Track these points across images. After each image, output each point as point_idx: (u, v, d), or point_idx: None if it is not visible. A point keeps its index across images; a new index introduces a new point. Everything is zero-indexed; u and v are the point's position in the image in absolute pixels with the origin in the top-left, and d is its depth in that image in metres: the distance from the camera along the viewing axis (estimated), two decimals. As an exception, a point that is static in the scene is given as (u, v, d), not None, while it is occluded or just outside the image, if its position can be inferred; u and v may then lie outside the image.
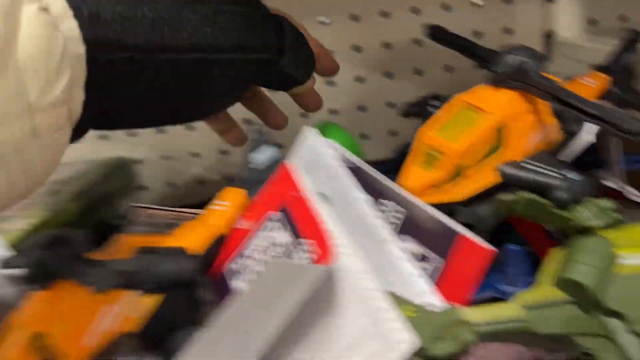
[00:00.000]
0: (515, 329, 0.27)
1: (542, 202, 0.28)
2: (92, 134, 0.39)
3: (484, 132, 0.35)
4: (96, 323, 0.31)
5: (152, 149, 0.63)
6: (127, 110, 0.33)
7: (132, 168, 0.63)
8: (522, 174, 0.35)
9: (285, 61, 0.37)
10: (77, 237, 0.31)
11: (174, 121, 0.38)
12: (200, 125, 0.61)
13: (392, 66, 0.61)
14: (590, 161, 0.46)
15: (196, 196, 0.64)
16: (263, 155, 0.37)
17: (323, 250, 0.29)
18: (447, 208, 0.34)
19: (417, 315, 0.27)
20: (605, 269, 0.28)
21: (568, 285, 0.28)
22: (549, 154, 0.37)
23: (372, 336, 0.26)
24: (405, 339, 0.25)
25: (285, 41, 0.37)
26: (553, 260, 0.30)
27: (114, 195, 0.58)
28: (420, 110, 0.44)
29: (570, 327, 0.27)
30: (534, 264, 0.41)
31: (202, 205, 0.41)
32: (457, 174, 0.35)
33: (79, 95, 0.27)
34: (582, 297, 0.27)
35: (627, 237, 0.30)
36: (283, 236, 0.33)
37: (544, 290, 0.28)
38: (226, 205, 0.36)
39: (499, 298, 0.40)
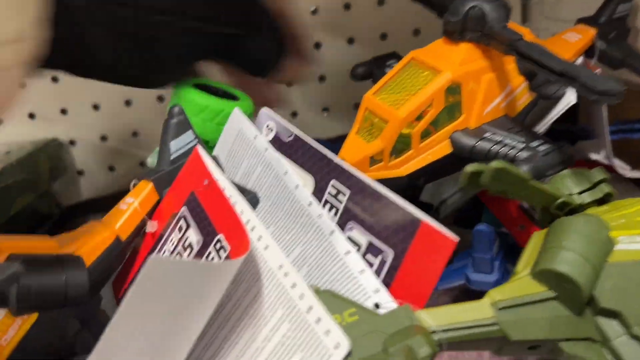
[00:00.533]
0: (484, 334, 0.21)
1: (515, 173, 0.22)
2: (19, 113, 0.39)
3: (432, 94, 0.29)
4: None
5: (87, 129, 0.56)
6: (85, 57, 0.33)
7: (65, 150, 0.56)
8: (476, 143, 0.30)
9: (252, 44, 0.37)
10: None
11: (131, 81, 0.36)
12: (139, 100, 0.55)
13: (352, 30, 0.54)
14: (576, 131, 0.41)
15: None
16: (181, 143, 0.30)
17: (234, 244, 0.23)
18: (395, 185, 0.28)
19: (356, 320, 0.21)
20: (597, 257, 0.22)
21: (550, 277, 0.22)
22: (514, 120, 0.32)
23: (295, 346, 0.20)
24: (338, 344, 0.19)
25: (259, 25, 0.37)
26: (533, 246, 0.25)
27: (42, 180, 0.52)
28: (374, 71, 0.38)
29: (552, 331, 0.21)
30: (512, 247, 0.35)
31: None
32: (405, 144, 0.30)
33: (41, 33, 0.27)
34: (568, 292, 0.22)
35: (621, 216, 0.24)
36: (192, 234, 0.26)
37: (521, 284, 0.22)
38: (130, 203, 0.29)
39: (474, 290, 0.35)
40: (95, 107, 0.55)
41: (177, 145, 0.30)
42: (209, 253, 0.25)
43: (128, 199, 0.29)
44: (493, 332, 0.21)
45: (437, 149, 0.30)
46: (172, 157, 0.30)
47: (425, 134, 0.30)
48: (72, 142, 0.56)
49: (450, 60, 0.30)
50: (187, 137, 0.30)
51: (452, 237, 0.22)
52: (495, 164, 0.21)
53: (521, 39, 0.28)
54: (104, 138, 0.57)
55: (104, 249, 0.27)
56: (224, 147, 0.32)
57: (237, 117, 0.32)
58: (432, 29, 0.36)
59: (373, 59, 0.40)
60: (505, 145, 0.29)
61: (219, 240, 0.24)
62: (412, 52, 0.32)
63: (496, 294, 0.22)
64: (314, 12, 0.53)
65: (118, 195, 0.31)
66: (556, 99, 0.33)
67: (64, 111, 0.55)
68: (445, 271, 0.35)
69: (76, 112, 0.55)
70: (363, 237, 0.25)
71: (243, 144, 0.31)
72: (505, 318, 0.21)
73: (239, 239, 0.22)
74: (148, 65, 0.33)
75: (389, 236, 0.25)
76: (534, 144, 0.28)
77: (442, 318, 0.21)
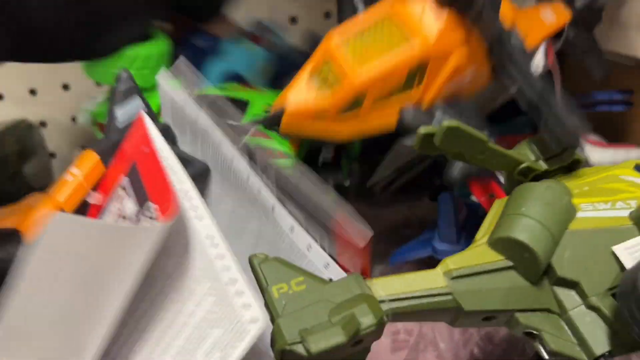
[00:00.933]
0: (436, 304, 0.20)
1: (469, 132, 0.21)
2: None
3: (401, 64, 0.27)
4: None
5: (56, 109, 0.55)
6: (34, 35, 0.32)
7: (35, 131, 0.55)
8: (426, 122, 0.27)
9: None
10: None
11: (77, 51, 0.35)
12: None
13: (330, 4, 0.53)
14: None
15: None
16: (128, 110, 0.29)
17: (164, 213, 0.21)
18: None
19: (304, 289, 0.20)
20: (557, 225, 0.21)
21: (507, 246, 0.21)
22: (470, 104, 0.30)
23: (217, 320, 0.19)
24: (255, 318, 0.18)
25: None
26: (494, 214, 0.23)
27: (10, 162, 0.50)
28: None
29: (508, 301, 0.20)
30: (482, 219, 0.34)
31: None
32: (355, 104, 0.27)
33: None
34: (525, 261, 0.21)
35: (585, 183, 0.23)
36: (129, 204, 0.25)
37: (477, 252, 0.22)
38: (75, 175, 0.28)
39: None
40: (65, 87, 0.54)
41: (123, 113, 0.29)
42: (142, 223, 0.23)
43: (73, 169, 0.28)
44: (446, 303, 0.20)
45: (383, 118, 0.28)
46: (119, 126, 0.28)
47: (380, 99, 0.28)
48: (42, 124, 0.55)
49: (428, 32, 0.27)
50: (135, 104, 0.29)
51: (362, 239, 0.21)
52: (447, 122, 0.20)
53: (501, 31, 0.27)
54: (75, 119, 0.55)
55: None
56: (167, 116, 0.31)
57: (163, 83, 0.30)
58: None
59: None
60: None
61: (150, 210, 0.23)
62: (393, 3, 0.29)
63: (450, 263, 0.21)
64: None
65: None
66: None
67: (32, 91, 0.54)
68: (413, 243, 0.35)
69: (46, 93, 0.53)
70: (298, 213, 0.24)
71: (179, 112, 0.29)
72: (458, 288, 0.20)
73: (170, 210, 0.21)
74: (93, 30, 0.32)
75: (316, 220, 0.24)
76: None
77: (392, 287, 0.20)
